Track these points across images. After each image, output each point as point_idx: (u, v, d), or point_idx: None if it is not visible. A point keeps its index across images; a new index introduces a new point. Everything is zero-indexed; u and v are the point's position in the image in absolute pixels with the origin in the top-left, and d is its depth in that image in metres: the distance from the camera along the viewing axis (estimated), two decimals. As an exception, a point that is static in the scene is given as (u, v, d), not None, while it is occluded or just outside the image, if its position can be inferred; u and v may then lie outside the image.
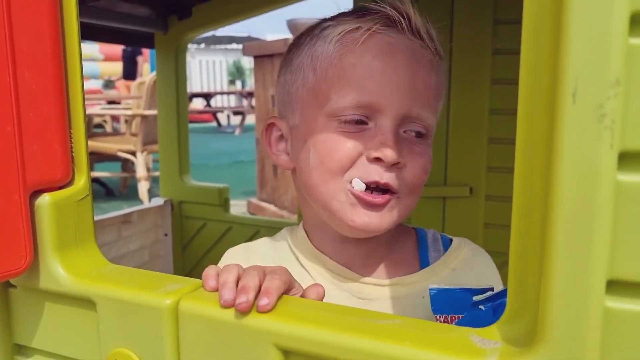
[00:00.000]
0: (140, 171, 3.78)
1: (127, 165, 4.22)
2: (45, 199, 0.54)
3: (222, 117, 10.61)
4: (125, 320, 0.51)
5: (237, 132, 9.36)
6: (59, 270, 0.54)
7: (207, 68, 14.08)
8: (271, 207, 3.59)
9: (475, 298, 0.55)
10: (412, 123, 0.61)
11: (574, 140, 0.32)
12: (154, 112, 3.52)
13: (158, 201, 1.62)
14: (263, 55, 3.58)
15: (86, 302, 0.54)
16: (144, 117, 3.74)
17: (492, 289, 0.56)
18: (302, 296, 0.53)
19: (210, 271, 0.52)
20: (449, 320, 0.56)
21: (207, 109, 10.37)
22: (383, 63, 0.59)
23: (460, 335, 0.40)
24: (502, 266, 0.57)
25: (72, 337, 0.56)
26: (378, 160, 0.58)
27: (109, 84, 9.65)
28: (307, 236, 0.68)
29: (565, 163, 0.33)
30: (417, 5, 0.62)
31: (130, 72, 8.12)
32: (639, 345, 0.33)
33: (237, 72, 15.32)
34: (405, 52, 0.60)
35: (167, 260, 1.64)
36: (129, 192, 4.34)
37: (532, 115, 0.35)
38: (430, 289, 0.57)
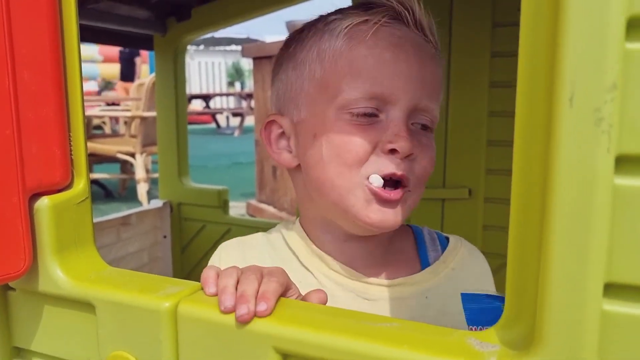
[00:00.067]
0: (139, 173, 3.77)
1: (126, 167, 4.22)
2: (44, 202, 0.54)
3: (221, 119, 10.61)
4: (124, 323, 0.51)
5: (236, 133, 9.36)
6: (58, 273, 0.55)
7: (206, 69, 14.08)
8: (270, 209, 3.59)
9: None
10: (420, 115, 0.61)
11: (571, 144, 0.32)
12: (153, 113, 3.52)
13: (157, 203, 1.62)
14: (262, 56, 3.58)
15: (85, 305, 0.54)
16: (143, 118, 3.74)
17: None
18: (304, 300, 0.53)
19: (209, 273, 0.52)
20: None
21: (206, 110, 10.37)
22: (394, 55, 0.59)
23: (458, 338, 0.41)
24: (501, 268, 0.57)
25: (71, 340, 0.57)
26: (393, 151, 0.58)
27: (108, 85, 9.65)
28: (307, 235, 0.67)
29: (563, 167, 0.33)
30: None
31: (128, 74, 8.12)
32: (636, 348, 0.33)
33: (236, 74, 15.32)
34: (412, 45, 0.61)
35: (166, 262, 1.64)
36: (128, 193, 4.34)
37: (529, 119, 0.35)
38: (464, 303, 0.57)
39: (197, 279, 0.56)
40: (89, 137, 3.93)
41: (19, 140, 0.51)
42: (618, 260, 0.33)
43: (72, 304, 0.55)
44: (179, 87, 1.59)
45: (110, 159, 4.07)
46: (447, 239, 0.71)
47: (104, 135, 4.69)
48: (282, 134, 0.67)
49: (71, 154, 0.56)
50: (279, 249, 0.68)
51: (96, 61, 10.53)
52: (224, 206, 1.59)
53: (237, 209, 3.76)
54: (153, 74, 3.36)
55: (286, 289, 0.51)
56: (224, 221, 1.58)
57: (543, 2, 0.34)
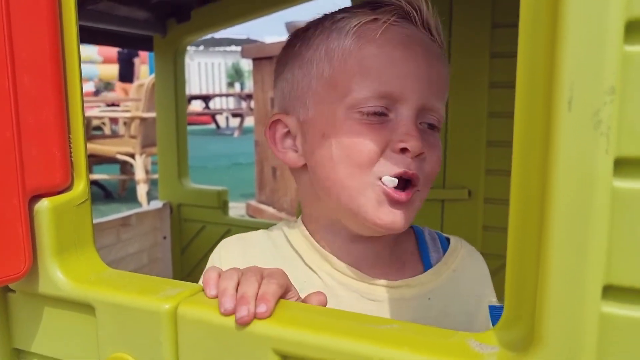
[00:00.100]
0: (139, 174, 3.78)
1: (126, 168, 4.22)
2: (44, 204, 0.54)
3: (220, 119, 10.62)
4: (124, 325, 0.51)
5: (236, 134, 9.37)
6: (58, 275, 0.55)
7: (205, 70, 14.10)
8: (270, 209, 3.59)
9: None
10: (428, 114, 0.61)
11: (569, 146, 0.32)
12: (152, 114, 3.52)
13: (157, 204, 1.62)
14: (262, 57, 3.59)
15: (85, 307, 0.54)
16: (142, 119, 3.74)
17: None
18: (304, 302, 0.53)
19: (211, 275, 0.52)
20: None
21: (206, 111, 10.37)
22: (403, 54, 0.59)
23: (458, 340, 0.41)
24: (501, 269, 0.57)
25: (71, 342, 0.57)
26: (404, 151, 0.58)
27: (107, 86, 9.66)
28: (311, 235, 0.67)
29: (562, 169, 0.33)
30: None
31: (126, 75, 8.12)
32: (634, 350, 0.33)
33: (235, 74, 15.33)
34: (421, 44, 0.61)
35: (166, 263, 1.64)
36: (127, 194, 4.34)
37: (528, 122, 0.35)
38: (492, 312, 0.58)
39: (197, 280, 0.56)
40: (89, 138, 3.93)
41: (19, 142, 0.51)
42: (617, 263, 0.33)
43: (72, 306, 0.55)
44: (179, 88, 1.59)
45: (110, 160, 4.07)
46: (448, 239, 0.71)
47: (104, 136, 4.69)
48: (288, 133, 0.66)
49: (71, 156, 0.56)
50: (281, 248, 0.67)
51: (95, 62, 10.54)
52: (224, 207, 1.59)
53: (236, 209, 3.76)
54: (153, 75, 3.37)
55: (286, 291, 0.51)
56: (223, 222, 1.58)
57: (542, 5, 0.34)
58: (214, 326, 0.47)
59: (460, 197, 1.34)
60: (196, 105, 11.05)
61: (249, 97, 9.29)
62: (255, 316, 0.46)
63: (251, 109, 7.03)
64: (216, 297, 0.49)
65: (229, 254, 0.67)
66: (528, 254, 0.36)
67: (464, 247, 0.70)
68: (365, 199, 0.59)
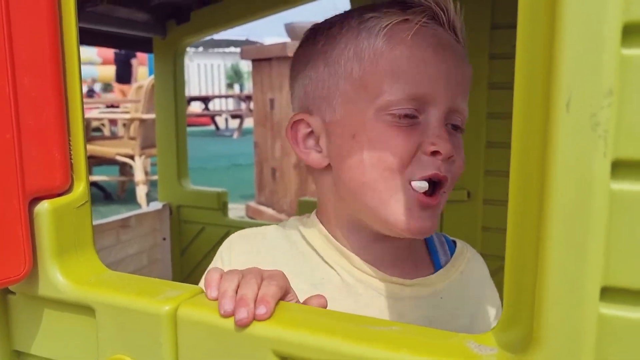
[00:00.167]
0: (139, 175, 3.78)
1: (125, 169, 4.22)
2: (44, 206, 0.54)
3: (220, 121, 10.62)
4: (124, 327, 0.52)
5: (235, 135, 9.37)
6: (57, 277, 0.55)
7: (205, 71, 14.10)
8: (269, 211, 3.59)
9: None
10: (454, 116, 0.62)
11: (568, 148, 0.33)
12: (152, 116, 3.52)
13: (156, 205, 1.62)
14: (261, 58, 3.59)
15: (85, 309, 0.54)
16: (142, 120, 3.74)
17: None
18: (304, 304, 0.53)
19: (213, 276, 0.51)
20: None
21: (205, 112, 10.37)
22: (434, 55, 0.59)
23: (457, 342, 0.41)
24: (500, 270, 0.57)
25: (71, 344, 0.57)
26: (435, 153, 0.58)
27: (107, 88, 9.66)
28: (329, 233, 0.66)
29: (560, 171, 0.33)
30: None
31: (123, 76, 8.12)
32: (633, 351, 0.33)
33: (235, 76, 15.33)
34: (449, 46, 0.61)
35: (166, 265, 1.64)
36: (127, 195, 4.34)
37: (526, 125, 0.35)
38: None
39: (197, 281, 0.56)
40: (88, 139, 3.94)
41: (19, 144, 0.51)
42: (615, 264, 0.33)
43: (72, 308, 0.55)
44: (178, 89, 1.59)
45: (109, 161, 4.07)
46: (454, 242, 0.72)
47: (103, 138, 4.69)
48: (310, 133, 0.65)
49: (71, 158, 0.57)
50: (297, 244, 0.67)
51: (95, 63, 10.54)
52: (223, 208, 1.59)
53: (236, 211, 3.77)
54: (152, 77, 3.37)
55: (285, 293, 0.51)
56: (223, 223, 1.58)
57: (540, 8, 0.34)
58: (214, 328, 0.47)
59: (460, 198, 1.34)
60: (195, 107, 11.05)
61: (248, 98, 9.30)
62: (255, 318, 0.46)
63: (250, 110, 7.03)
64: (217, 299, 0.49)
65: (241, 248, 0.67)
66: (527, 255, 0.37)
67: (468, 251, 0.71)
68: (396, 204, 0.59)
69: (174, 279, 1.61)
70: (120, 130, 5.02)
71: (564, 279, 0.34)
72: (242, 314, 0.46)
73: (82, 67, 0.60)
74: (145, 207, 1.70)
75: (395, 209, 0.59)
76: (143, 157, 3.78)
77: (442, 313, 0.64)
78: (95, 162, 4.01)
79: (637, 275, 0.33)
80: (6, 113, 0.51)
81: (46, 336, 0.58)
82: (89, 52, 9.94)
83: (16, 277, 0.53)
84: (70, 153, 0.56)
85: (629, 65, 0.31)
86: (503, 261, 0.39)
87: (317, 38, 0.66)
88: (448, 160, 0.59)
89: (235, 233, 0.70)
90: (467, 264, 0.69)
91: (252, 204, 3.83)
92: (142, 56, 8.27)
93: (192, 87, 13.22)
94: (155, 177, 2.47)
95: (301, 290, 0.55)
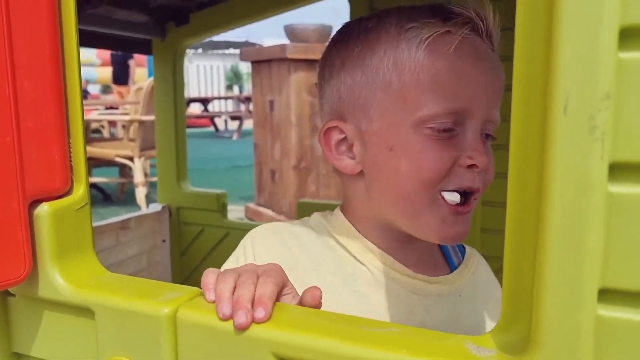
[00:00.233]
0: (138, 177, 3.78)
1: (125, 171, 4.22)
2: (44, 209, 0.54)
3: (219, 122, 10.62)
4: (123, 329, 0.52)
5: (235, 137, 9.37)
6: (57, 279, 0.55)
7: (204, 73, 14.11)
8: (269, 212, 3.59)
9: None
10: (488, 125, 0.62)
11: (565, 151, 0.33)
12: (151, 117, 3.52)
13: (156, 207, 1.62)
14: (260, 60, 3.59)
15: (85, 311, 0.54)
16: (141, 122, 3.74)
17: None
18: (301, 298, 0.54)
19: (210, 279, 0.52)
20: None
21: (205, 113, 10.37)
22: (474, 69, 0.59)
23: (455, 343, 0.41)
24: (499, 271, 0.57)
25: (71, 346, 0.57)
26: (472, 166, 0.59)
27: (106, 89, 9.66)
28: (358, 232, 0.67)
29: (558, 174, 0.33)
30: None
31: (120, 77, 8.11)
32: (631, 352, 0.33)
33: (234, 77, 15.33)
34: (487, 57, 0.61)
35: (165, 266, 1.64)
36: (126, 197, 4.34)
37: (525, 127, 0.36)
38: None
39: (196, 283, 0.56)
40: (88, 141, 3.93)
41: (19, 146, 0.52)
42: (612, 266, 0.33)
43: (72, 310, 0.56)
44: (178, 91, 1.59)
45: (108, 163, 4.07)
46: (463, 245, 0.74)
47: (103, 139, 4.69)
48: (344, 139, 0.65)
49: (71, 160, 0.57)
50: (327, 241, 0.67)
51: (94, 65, 10.55)
52: (223, 210, 1.59)
53: (235, 212, 3.77)
54: (151, 78, 3.37)
55: (282, 287, 0.52)
56: (222, 225, 1.58)
57: (538, 11, 0.34)
58: (213, 330, 0.47)
59: (459, 199, 1.34)
60: (195, 108, 11.04)
61: (247, 99, 9.30)
62: (254, 321, 0.46)
63: (250, 112, 7.04)
64: (215, 302, 0.49)
65: (264, 243, 0.67)
66: (525, 257, 0.37)
67: (475, 254, 0.74)
68: (430, 215, 0.60)
69: (174, 281, 1.61)
70: (119, 131, 5.02)
71: (562, 280, 0.34)
72: (241, 318, 0.46)
73: (82, 68, 0.61)
74: (144, 209, 1.70)
75: (429, 219, 0.60)
76: (142, 158, 3.78)
77: (462, 310, 0.66)
78: (94, 163, 4.01)
79: (635, 276, 0.33)
80: (6, 115, 0.51)
81: (46, 338, 0.58)
82: (89, 54, 9.95)
83: (16, 279, 0.53)
84: (70, 155, 0.57)
85: (626, 68, 0.31)
86: (502, 262, 0.39)
87: (351, 41, 0.65)
88: (481, 172, 0.60)
89: (257, 228, 0.69)
90: (477, 265, 0.72)
91: (252, 205, 3.83)
92: (139, 57, 8.27)
93: (192, 89, 13.23)
94: (154, 179, 2.47)
95: (332, 284, 0.59)
